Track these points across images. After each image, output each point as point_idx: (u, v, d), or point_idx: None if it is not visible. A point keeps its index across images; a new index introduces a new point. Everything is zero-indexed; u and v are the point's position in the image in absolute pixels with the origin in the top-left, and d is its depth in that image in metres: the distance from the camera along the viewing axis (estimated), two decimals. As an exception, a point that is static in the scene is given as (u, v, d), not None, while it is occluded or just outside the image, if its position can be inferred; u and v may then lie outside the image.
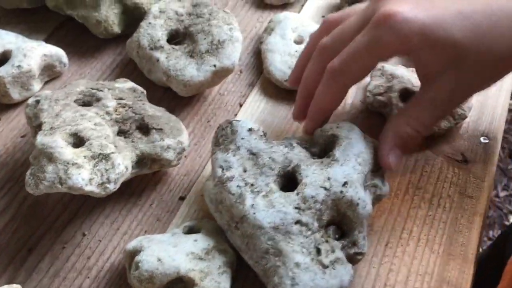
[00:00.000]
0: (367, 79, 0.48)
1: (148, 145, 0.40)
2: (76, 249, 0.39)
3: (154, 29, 0.47)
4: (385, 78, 0.47)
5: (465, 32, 0.36)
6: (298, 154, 0.38)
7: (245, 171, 0.37)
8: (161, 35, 0.47)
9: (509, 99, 0.50)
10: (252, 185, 0.36)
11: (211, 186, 0.38)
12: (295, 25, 0.51)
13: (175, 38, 0.48)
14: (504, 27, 0.37)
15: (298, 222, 0.35)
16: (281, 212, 0.35)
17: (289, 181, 0.37)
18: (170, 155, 0.40)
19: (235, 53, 0.46)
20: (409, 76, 0.47)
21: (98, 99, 0.41)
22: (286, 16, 0.52)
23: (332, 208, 0.36)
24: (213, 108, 0.48)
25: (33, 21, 0.52)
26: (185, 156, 0.44)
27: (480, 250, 0.47)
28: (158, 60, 0.46)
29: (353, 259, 0.36)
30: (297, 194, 0.36)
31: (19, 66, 0.45)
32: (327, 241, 0.35)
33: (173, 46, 0.47)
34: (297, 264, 0.33)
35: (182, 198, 0.42)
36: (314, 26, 0.52)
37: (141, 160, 0.40)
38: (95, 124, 0.39)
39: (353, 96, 0.49)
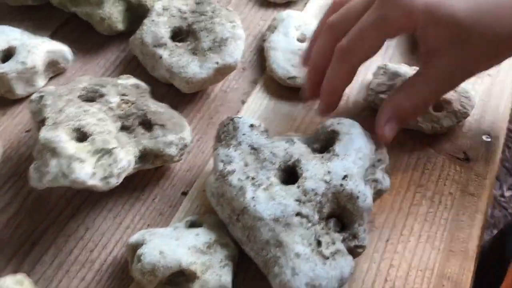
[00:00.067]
0: (370, 77, 0.49)
1: (151, 141, 0.40)
2: (79, 242, 0.39)
3: (157, 27, 0.47)
4: (388, 77, 0.47)
5: (469, 11, 0.37)
6: (299, 149, 0.38)
7: (246, 165, 0.37)
8: (164, 32, 0.47)
9: (511, 99, 0.51)
10: (253, 178, 0.36)
11: (212, 180, 0.38)
12: (298, 23, 0.52)
13: (178, 35, 0.48)
14: (508, 9, 0.37)
15: (298, 214, 0.35)
16: (281, 204, 0.35)
17: (290, 175, 0.37)
18: (172, 150, 0.40)
19: (237, 50, 0.46)
20: (412, 75, 0.47)
21: (102, 95, 0.41)
22: (289, 15, 0.52)
23: (333, 201, 0.36)
24: (216, 105, 0.48)
25: (38, 18, 0.53)
26: (188, 152, 0.44)
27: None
28: (161, 57, 0.46)
29: (353, 252, 0.36)
30: (298, 187, 0.36)
31: (23, 62, 0.46)
32: (327, 233, 0.35)
33: (176, 43, 0.47)
34: (297, 255, 0.34)
35: (184, 193, 0.42)
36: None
37: (144, 156, 0.40)
38: (98, 120, 0.39)
39: (355, 94, 0.49)
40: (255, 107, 0.48)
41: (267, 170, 0.37)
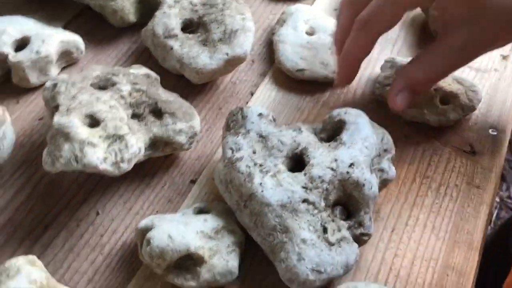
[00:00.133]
0: (377, 71, 0.49)
1: (161, 129, 0.41)
2: (90, 227, 0.40)
3: (168, 18, 0.48)
4: (395, 70, 0.48)
5: None
6: (306, 138, 0.39)
7: (254, 152, 0.38)
8: (175, 24, 0.48)
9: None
10: (261, 165, 0.37)
11: (221, 167, 0.39)
12: (307, 17, 0.52)
13: (189, 27, 0.49)
14: None
15: (305, 200, 0.35)
16: (288, 190, 0.36)
17: (297, 163, 0.38)
18: (182, 138, 0.41)
19: (247, 42, 0.47)
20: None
21: (113, 84, 0.42)
22: (298, 9, 0.53)
23: (339, 188, 0.36)
24: (225, 96, 0.49)
25: (52, 10, 0.54)
26: (197, 141, 0.45)
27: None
28: (172, 48, 0.47)
29: (359, 240, 0.37)
30: (305, 174, 0.36)
31: (37, 52, 0.46)
32: (333, 221, 0.36)
33: (187, 35, 0.48)
34: (304, 240, 0.34)
35: (193, 181, 0.43)
36: (326, 19, 0.53)
37: (154, 143, 0.41)
38: (110, 107, 0.40)
39: (363, 87, 0.50)
40: (264, 99, 0.49)
41: (275, 157, 0.37)
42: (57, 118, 0.38)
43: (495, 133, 0.47)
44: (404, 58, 0.49)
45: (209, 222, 0.37)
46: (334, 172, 0.36)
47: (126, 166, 0.38)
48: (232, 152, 0.38)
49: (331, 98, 0.49)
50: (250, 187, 0.36)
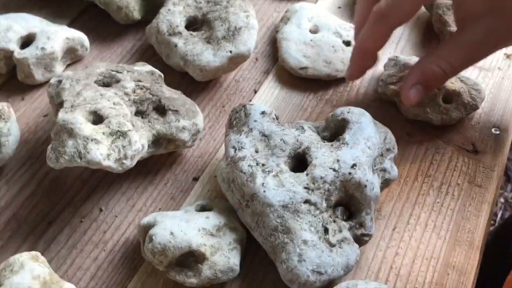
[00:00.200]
0: (381, 69, 0.49)
1: (164, 126, 0.41)
2: (93, 223, 0.41)
3: (173, 16, 0.48)
4: (398, 68, 0.48)
5: None
6: (309, 137, 0.39)
7: (256, 151, 0.38)
8: (179, 21, 0.48)
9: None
10: (263, 165, 0.37)
11: (223, 166, 0.39)
12: (311, 15, 0.52)
13: (193, 24, 0.49)
14: None
15: (307, 201, 0.36)
16: (290, 191, 0.36)
17: (300, 162, 0.38)
18: (185, 135, 0.41)
19: (250, 40, 0.47)
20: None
21: (117, 81, 0.43)
22: (302, 6, 0.53)
23: (341, 189, 0.37)
24: (228, 94, 0.49)
25: (58, 7, 0.54)
26: (200, 139, 0.45)
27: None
28: (176, 46, 0.47)
29: (360, 240, 0.37)
30: (307, 174, 0.37)
31: (42, 48, 0.47)
32: (334, 221, 0.36)
33: (191, 32, 0.48)
34: (305, 241, 0.34)
35: (195, 179, 0.43)
36: (330, 16, 0.53)
37: (157, 140, 0.41)
38: (114, 104, 0.40)
39: (366, 85, 0.50)
40: (267, 97, 0.49)
41: (277, 157, 0.38)
42: (61, 115, 0.38)
43: (498, 132, 0.47)
44: (407, 57, 0.49)
45: (211, 219, 0.38)
46: (336, 173, 0.36)
47: (129, 163, 0.38)
48: (235, 151, 0.38)
49: (334, 96, 0.49)
50: (252, 187, 0.36)
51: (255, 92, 0.49)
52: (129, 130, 0.38)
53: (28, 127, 0.46)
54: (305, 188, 0.36)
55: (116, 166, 0.37)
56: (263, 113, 0.40)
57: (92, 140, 0.37)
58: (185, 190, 0.43)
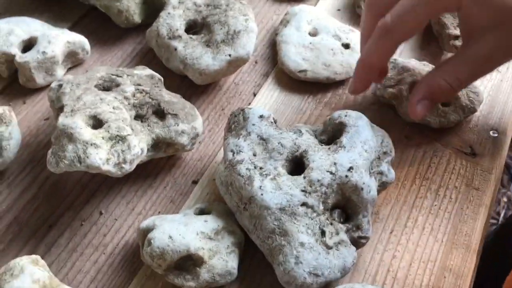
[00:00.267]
0: (380, 72, 0.49)
1: (164, 130, 0.41)
2: (93, 226, 0.41)
3: (173, 19, 0.49)
4: (397, 71, 0.48)
5: None
6: (306, 140, 0.39)
7: (254, 155, 0.38)
8: (179, 25, 0.48)
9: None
10: (261, 168, 0.37)
11: (222, 169, 0.39)
12: (310, 18, 0.53)
13: (193, 28, 0.49)
14: None
15: (304, 204, 0.36)
16: (287, 194, 0.36)
17: (297, 166, 0.38)
18: (184, 139, 0.42)
19: (250, 43, 0.47)
20: (421, 70, 0.48)
21: (117, 85, 0.43)
22: (301, 9, 0.53)
23: (337, 192, 0.37)
24: (228, 97, 0.49)
25: (59, 10, 0.54)
26: (199, 142, 0.46)
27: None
28: (176, 49, 0.47)
29: (357, 243, 0.37)
30: (304, 177, 0.37)
31: (44, 52, 0.47)
32: (331, 224, 0.36)
33: (191, 36, 0.48)
34: (302, 244, 0.35)
35: (195, 182, 0.44)
36: (329, 19, 0.53)
37: (157, 144, 0.42)
38: (113, 108, 0.40)
39: (365, 88, 0.50)
40: (266, 100, 0.49)
41: (275, 160, 0.38)
42: (62, 119, 0.39)
43: (496, 135, 0.47)
44: (406, 59, 0.49)
45: (209, 223, 0.38)
46: (333, 176, 0.37)
47: (128, 167, 0.39)
48: (233, 155, 0.38)
49: (333, 99, 0.49)
50: (250, 190, 0.37)
51: (255, 95, 0.50)
52: (128, 135, 0.39)
53: (29, 131, 0.46)
54: (302, 191, 0.36)
55: (115, 171, 0.38)
56: (261, 117, 0.40)
57: (91, 144, 0.37)
58: (185, 193, 0.43)
